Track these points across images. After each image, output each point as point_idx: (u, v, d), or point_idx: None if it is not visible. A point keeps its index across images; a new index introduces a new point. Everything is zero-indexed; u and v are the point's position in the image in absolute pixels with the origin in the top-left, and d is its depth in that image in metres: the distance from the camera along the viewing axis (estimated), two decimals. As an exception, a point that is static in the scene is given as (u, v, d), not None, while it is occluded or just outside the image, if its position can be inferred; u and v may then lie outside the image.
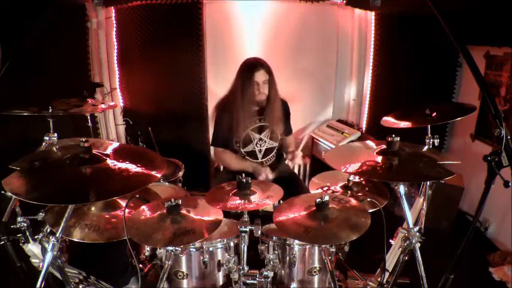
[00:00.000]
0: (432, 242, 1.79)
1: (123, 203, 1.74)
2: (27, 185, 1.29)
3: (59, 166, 1.42)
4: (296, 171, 3.92)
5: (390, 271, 1.91)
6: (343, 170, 1.61)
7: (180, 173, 2.66)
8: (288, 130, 2.77)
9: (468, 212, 3.40)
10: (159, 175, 1.42)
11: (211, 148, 2.71)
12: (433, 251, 1.92)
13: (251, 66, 2.43)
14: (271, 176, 2.44)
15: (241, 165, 2.54)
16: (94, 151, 1.46)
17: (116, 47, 3.74)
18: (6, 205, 1.66)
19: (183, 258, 1.76)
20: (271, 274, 1.72)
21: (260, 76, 2.41)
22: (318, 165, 3.88)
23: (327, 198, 1.59)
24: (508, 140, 1.12)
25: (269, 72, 2.44)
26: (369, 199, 1.89)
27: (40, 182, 1.32)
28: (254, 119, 2.53)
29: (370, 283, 2.12)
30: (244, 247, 1.67)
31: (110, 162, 1.44)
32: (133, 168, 1.43)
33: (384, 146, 1.70)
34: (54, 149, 1.70)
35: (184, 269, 1.77)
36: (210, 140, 2.68)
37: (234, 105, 2.45)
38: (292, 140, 2.84)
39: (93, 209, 1.69)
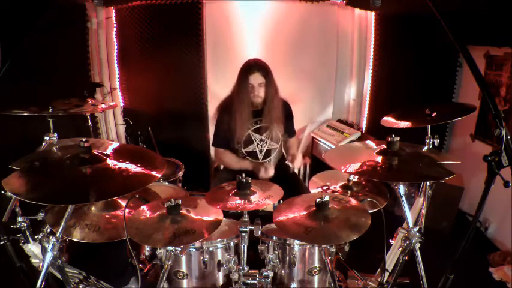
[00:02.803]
0: (432, 242, 1.79)
1: (123, 203, 1.74)
2: (27, 185, 1.29)
3: (59, 166, 1.42)
4: (296, 171, 3.92)
5: (390, 271, 1.91)
6: (343, 170, 1.60)
7: (180, 173, 2.66)
8: (290, 132, 2.77)
9: (468, 212, 3.40)
10: (159, 175, 1.42)
11: (212, 148, 2.74)
12: (433, 251, 1.92)
13: (247, 68, 2.45)
14: (271, 171, 2.44)
15: (240, 164, 2.58)
16: (94, 151, 1.46)
17: (115, 47, 3.74)
18: (6, 205, 1.66)
19: (183, 258, 1.76)
20: (271, 274, 1.72)
21: (255, 79, 2.42)
22: (318, 165, 3.89)
23: (327, 198, 1.59)
24: (508, 140, 1.12)
25: (266, 74, 2.43)
26: (369, 199, 1.89)
27: (40, 182, 1.32)
28: (252, 120, 2.54)
29: (370, 283, 2.12)
30: (244, 247, 1.67)
31: (110, 162, 1.44)
32: (133, 168, 1.43)
33: (384, 146, 1.70)
34: (54, 149, 1.70)
35: (184, 269, 1.77)
36: (211, 140, 2.69)
37: (233, 107, 2.48)
38: (294, 142, 2.83)
39: (93, 209, 1.69)
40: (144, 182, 1.39)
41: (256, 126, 2.57)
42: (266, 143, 2.61)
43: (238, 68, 2.51)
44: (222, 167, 2.90)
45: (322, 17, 3.81)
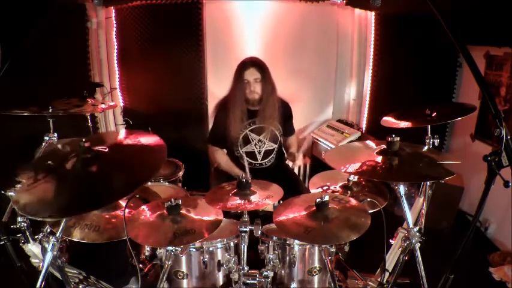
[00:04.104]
0: (432, 242, 1.79)
1: (123, 203, 1.73)
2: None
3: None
4: (296, 171, 3.92)
5: (390, 271, 1.91)
6: (343, 170, 1.60)
7: (180, 173, 2.66)
8: (289, 131, 2.77)
9: (468, 212, 3.40)
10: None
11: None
12: (433, 251, 1.92)
13: (242, 65, 2.46)
14: None
15: (229, 168, 2.59)
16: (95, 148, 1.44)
17: (115, 47, 3.74)
18: (6, 205, 1.66)
19: (183, 258, 1.76)
20: (271, 274, 1.72)
21: (250, 74, 2.41)
22: (318, 165, 3.88)
23: (327, 198, 1.59)
24: (508, 140, 1.12)
25: (261, 70, 2.43)
26: (369, 199, 1.89)
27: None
28: (249, 120, 2.54)
29: (370, 283, 2.12)
30: (244, 247, 1.67)
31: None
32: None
33: (384, 146, 1.70)
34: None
35: (184, 269, 1.77)
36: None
37: (230, 105, 2.48)
38: (294, 141, 2.83)
39: (93, 209, 1.69)
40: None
41: (253, 127, 2.56)
42: (264, 143, 2.60)
43: (238, 68, 2.51)
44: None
45: (322, 17, 3.81)
